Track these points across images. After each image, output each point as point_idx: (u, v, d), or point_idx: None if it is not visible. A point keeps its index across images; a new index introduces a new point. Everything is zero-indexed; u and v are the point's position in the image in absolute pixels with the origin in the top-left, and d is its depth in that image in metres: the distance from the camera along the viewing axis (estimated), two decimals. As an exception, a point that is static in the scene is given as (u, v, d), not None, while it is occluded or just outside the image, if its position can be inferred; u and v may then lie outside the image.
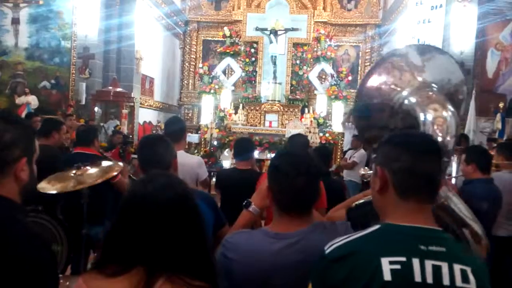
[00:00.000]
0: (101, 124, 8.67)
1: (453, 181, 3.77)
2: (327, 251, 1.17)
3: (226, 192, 3.51)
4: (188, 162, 3.21)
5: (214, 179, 7.91)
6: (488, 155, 3.34)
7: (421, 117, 1.55)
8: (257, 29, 11.05)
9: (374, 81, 1.74)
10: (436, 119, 1.52)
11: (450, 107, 1.57)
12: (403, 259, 1.10)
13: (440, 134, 1.51)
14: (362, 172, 5.08)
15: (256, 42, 11.52)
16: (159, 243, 1.08)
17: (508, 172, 3.62)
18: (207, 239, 1.19)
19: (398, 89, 1.67)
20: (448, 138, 1.52)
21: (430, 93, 1.63)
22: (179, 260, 1.09)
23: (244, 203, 1.77)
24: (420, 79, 1.68)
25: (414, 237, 1.14)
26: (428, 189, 1.19)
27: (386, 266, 1.09)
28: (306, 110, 10.68)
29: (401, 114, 1.65)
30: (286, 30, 10.89)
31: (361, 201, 1.84)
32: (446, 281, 1.10)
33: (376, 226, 1.19)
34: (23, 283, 1.04)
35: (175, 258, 1.08)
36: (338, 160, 9.36)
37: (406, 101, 1.63)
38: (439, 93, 1.64)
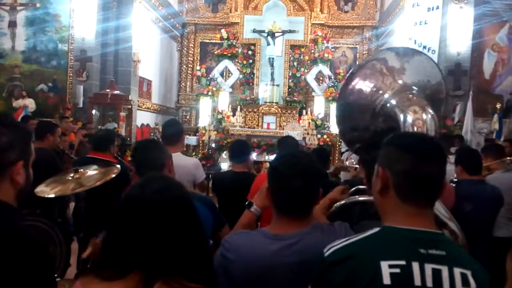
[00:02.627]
0: (99, 127, 8.65)
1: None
2: (326, 254, 1.17)
3: (222, 194, 3.50)
4: (185, 164, 3.20)
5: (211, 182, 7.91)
6: (476, 156, 3.32)
7: (401, 119, 1.57)
8: (254, 31, 11.06)
9: (356, 84, 1.77)
10: (415, 121, 1.54)
11: (429, 109, 1.59)
12: (403, 262, 1.09)
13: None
14: (347, 163, 5.08)
15: (254, 44, 11.54)
16: (157, 247, 1.07)
17: (501, 172, 3.63)
18: (206, 242, 1.19)
19: (380, 92, 1.69)
20: None
21: (410, 95, 1.65)
22: (176, 264, 1.08)
23: (246, 204, 1.78)
24: (400, 82, 1.70)
25: (413, 240, 1.13)
26: (429, 192, 1.17)
27: (386, 269, 1.08)
28: (304, 111, 10.69)
29: (382, 117, 1.67)
30: (284, 32, 10.91)
31: (341, 202, 1.85)
32: (446, 285, 1.09)
33: (376, 229, 1.18)
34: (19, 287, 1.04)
35: (173, 262, 1.08)
36: (336, 161, 9.36)
37: (387, 104, 1.66)
38: (419, 95, 1.66)
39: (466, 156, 3.31)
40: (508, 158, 3.76)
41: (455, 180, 3.31)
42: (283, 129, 9.77)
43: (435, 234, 1.17)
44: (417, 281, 1.08)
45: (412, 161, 1.14)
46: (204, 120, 10.61)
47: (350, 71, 1.89)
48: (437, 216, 1.57)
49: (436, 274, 1.09)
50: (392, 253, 1.11)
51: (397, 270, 1.08)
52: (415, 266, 1.09)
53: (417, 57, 1.80)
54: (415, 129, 1.53)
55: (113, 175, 2.58)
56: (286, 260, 1.40)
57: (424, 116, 1.56)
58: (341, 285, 1.11)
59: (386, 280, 1.07)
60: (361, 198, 1.79)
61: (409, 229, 1.14)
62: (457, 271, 1.10)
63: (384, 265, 1.09)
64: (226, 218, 2.11)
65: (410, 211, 1.16)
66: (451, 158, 3.63)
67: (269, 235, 1.46)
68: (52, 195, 2.53)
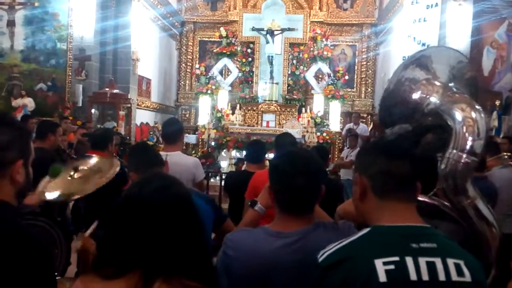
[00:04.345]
0: (98, 125, 8.66)
1: None
2: (320, 260, 1.18)
3: (235, 193, 3.51)
4: (185, 163, 3.21)
5: (212, 180, 7.93)
6: (481, 153, 3.34)
7: (451, 118, 1.55)
8: (253, 29, 11.05)
9: (398, 98, 1.75)
10: (465, 120, 1.53)
11: (476, 105, 1.57)
12: (396, 258, 1.11)
13: (470, 137, 1.52)
14: (353, 159, 5.04)
15: (253, 42, 11.53)
16: (157, 245, 1.07)
17: (498, 168, 3.63)
18: (206, 240, 1.19)
19: (427, 96, 1.68)
20: (479, 141, 1.53)
21: (451, 93, 1.63)
22: (177, 262, 1.08)
23: (250, 202, 1.78)
24: (438, 84, 1.68)
25: (404, 236, 1.15)
26: (405, 189, 1.22)
27: (380, 267, 1.10)
28: (303, 109, 10.68)
29: (431, 116, 1.66)
30: (283, 30, 10.89)
31: None
32: (442, 276, 1.11)
33: (366, 230, 1.20)
34: (20, 286, 1.04)
35: (173, 260, 1.08)
36: (336, 159, 9.37)
37: (435, 105, 1.65)
38: (460, 90, 1.65)
39: None
40: (505, 154, 3.77)
41: None
42: (282, 127, 9.76)
43: (423, 228, 1.20)
44: (413, 275, 1.09)
45: (384, 162, 1.21)
46: (204, 118, 10.61)
47: (384, 94, 1.85)
48: (485, 216, 1.57)
49: (431, 266, 1.11)
50: (384, 250, 1.12)
51: (392, 267, 1.10)
52: (409, 260, 1.11)
53: (432, 52, 1.80)
54: (465, 128, 1.52)
55: (113, 173, 2.59)
56: (287, 258, 1.39)
57: (474, 114, 1.55)
58: (339, 287, 1.11)
59: (382, 278, 1.08)
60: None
61: (398, 226, 1.17)
62: (450, 261, 1.13)
63: (379, 263, 1.10)
64: (238, 217, 2.13)
65: (393, 208, 1.20)
66: None
67: (271, 232, 1.46)
68: (55, 197, 2.53)
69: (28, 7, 9.09)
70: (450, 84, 1.68)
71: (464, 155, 1.52)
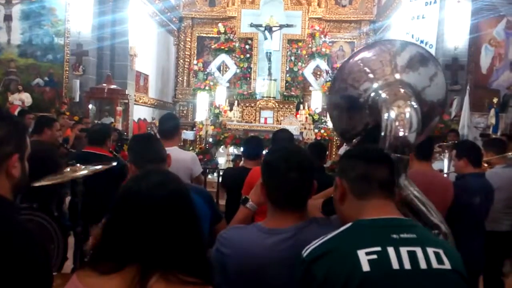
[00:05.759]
0: (95, 121, 8.63)
1: (445, 176, 3.79)
2: (304, 255, 1.21)
3: (232, 189, 3.50)
4: (182, 158, 3.20)
5: (210, 176, 7.92)
6: (478, 149, 3.33)
7: (385, 114, 1.57)
8: (251, 25, 11.01)
9: (360, 58, 1.74)
10: (398, 116, 1.55)
11: (413, 103, 1.58)
12: (378, 248, 1.15)
13: (401, 130, 1.55)
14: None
15: (251, 39, 11.51)
16: (153, 240, 1.07)
17: (501, 167, 3.63)
18: (202, 236, 1.19)
19: (371, 76, 1.68)
20: (409, 133, 1.55)
21: (400, 89, 1.62)
22: (173, 257, 1.08)
23: (241, 199, 1.78)
24: (397, 77, 1.67)
25: (384, 227, 1.20)
26: (384, 189, 1.28)
27: (363, 257, 1.14)
28: (301, 106, 10.68)
29: (367, 110, 1.67)
30: (281, 26, 10.87)
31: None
32: (423, 265, 1.15)
33: (348, 224, 1.24)
34: (16, 281, 1.04)
35: (170, 256, 1.08)
36: (334, 156, 9.38)
37: (375, 95, 1.64)
38: (409, 90, 1.63)
39: (470, 149, 3.26)
40: (511, 154, 3.76)
41: (458, 173, 3.31)
42: (280, 123, 9.76)
43: (403, 220, 1.26)
44: (395, 264, 1.13)
45: (364, 166, 1.29)
46: (201, 114, 10.59)
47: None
48: (429, 218, 1.58)
49: (412, 255, 1.15)
50: (366, 241, 1.17)
51: (374, 256, 1.13)
52: (391, 250, 1.15)
53: (439, 76, 1.76)
54: (397, 123, 1.54)
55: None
56: (281, 254, 1.39)
57: (408, 110, 1.56)
58: (324, 278, 1.15)
59: (366, 267, 1.12)
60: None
61: (378, 218, 1.22)
62: (430, 250, 1.17)
63: (361, 253, 1.14)
64: (235, 213, 2.13)
65: (373, 204, 1.26)
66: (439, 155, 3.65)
67: (264, 229, 1.46)
68: (49, 182, 2.52)
69: (25, 2, 9.05)
70: (410, 82, 1.65)
71: (392, 154, 1.52)
